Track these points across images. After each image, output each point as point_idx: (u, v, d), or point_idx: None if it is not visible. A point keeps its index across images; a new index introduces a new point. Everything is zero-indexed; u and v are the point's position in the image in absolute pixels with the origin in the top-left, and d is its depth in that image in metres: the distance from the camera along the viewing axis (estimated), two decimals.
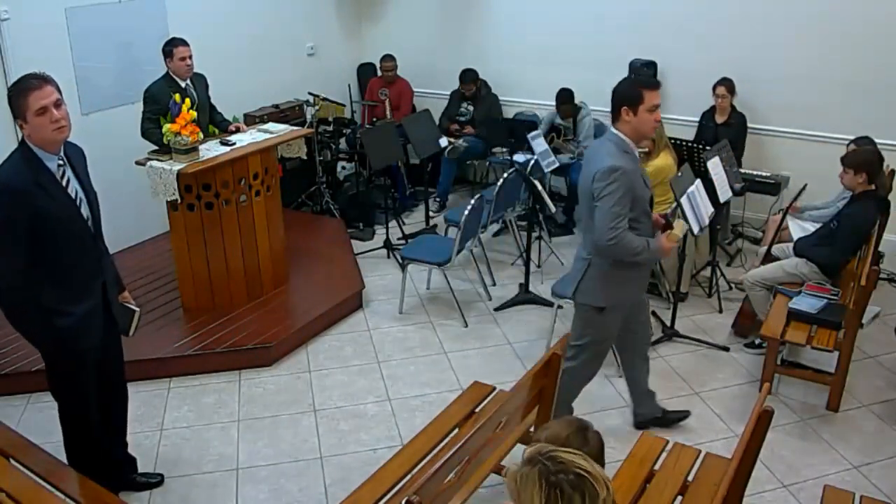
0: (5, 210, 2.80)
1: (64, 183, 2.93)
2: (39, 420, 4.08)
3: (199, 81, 5.24)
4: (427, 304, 5.35)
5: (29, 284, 2.89)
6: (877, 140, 4.92)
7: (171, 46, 4.97)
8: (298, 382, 4.45)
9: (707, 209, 4.65)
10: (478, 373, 4.40)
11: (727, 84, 5.80)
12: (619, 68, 6.32)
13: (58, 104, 2.84)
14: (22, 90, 2.78)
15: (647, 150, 5.05)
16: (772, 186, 5.61)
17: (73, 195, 2.95)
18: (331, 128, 6.87)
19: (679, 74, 6.27)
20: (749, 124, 5.95)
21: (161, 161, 4.56)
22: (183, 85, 5.03)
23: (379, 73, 7.29)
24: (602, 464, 2.15)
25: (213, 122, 5.40)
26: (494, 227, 6.34)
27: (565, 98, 6.31)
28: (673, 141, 5.24)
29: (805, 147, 5.94)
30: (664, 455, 3.20)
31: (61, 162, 2.92)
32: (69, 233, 2.94)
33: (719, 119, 5.94)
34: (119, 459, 3.52)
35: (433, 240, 5.58)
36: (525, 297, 5.30)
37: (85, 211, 3.00)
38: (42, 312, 2.95)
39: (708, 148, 5.17)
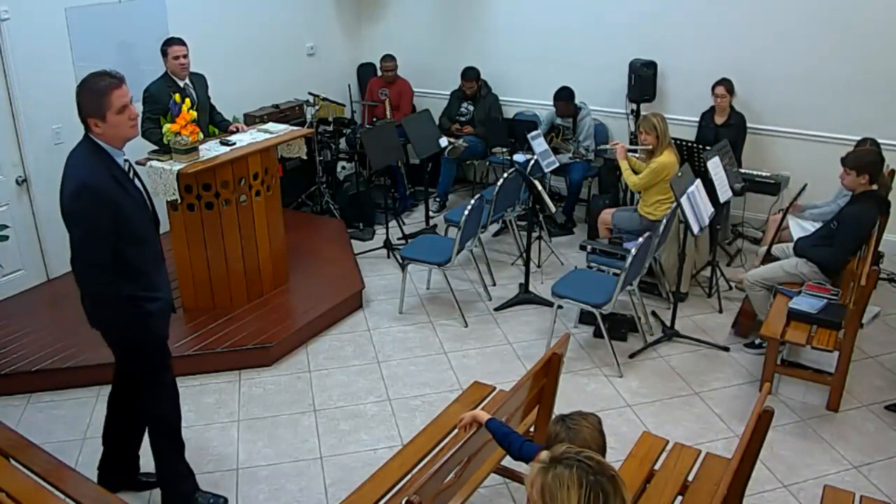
0: (92, 209, 2.81)
1: (131, 176, 2.99)
2: (39, 420, 4.09)
3: (199, 81, 5.24)
4: (427, 304, 5.35)
5: (116, 278, 2.92)
6: (878, 140, 4.93)
7: (167, 46, 4.99)
8: (298, 382, 4.45)
9: (707, 209, 4.65)
10: (478, 373, 4.40)
11: (726, 84, 5.80)
12: (619, 68, 6.36)
13: (131, 101, 2.91)
14: (103, 89, 2.81)
15: (650, 147, 5.05)
16: (772, 186, 5.61)
17: (140, 188, 3.03)
18: (331, 128, 6.87)
19: (679, 74, 6.28)
20: (749, 124, 5.95)
21: (161, 161, 4.56)
22: (182, 84, 5.04)
23: (379, 73, 7.29)
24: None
25: (213, 123, 5.40)
26: (494, 227, 6.35)
27: (564, 96, 6.30)
28: (674, 141, 5.23)
29: (805, 147, 5.94)
30: (664, 455, 3.20)
31: (126, 157, 2.98)
32: (143, 225, 3.01)
33: (719, 120, 5.94)
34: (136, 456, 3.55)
35: (433, 240, 5.57)
36: (525, 297, 5.30)
37: (149, 203, 3.09)
38: (132, 302, 2.98)
39: (708, 148, 5.17)
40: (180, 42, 5.01)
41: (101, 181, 2.83)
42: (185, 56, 5.02)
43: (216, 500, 3.46)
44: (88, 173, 2.84)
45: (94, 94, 2.82)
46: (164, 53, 4.99)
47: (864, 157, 4.36)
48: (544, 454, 1.71)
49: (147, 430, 3.35)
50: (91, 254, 2.88)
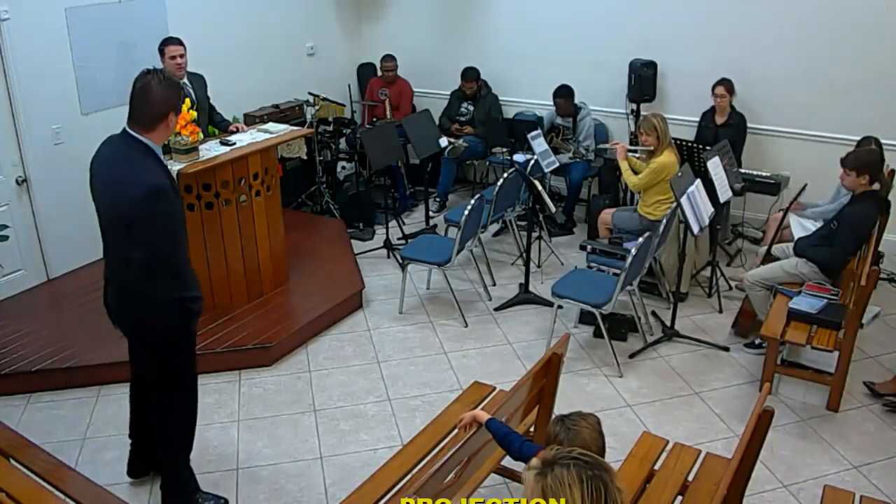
0: (165, 211, 2.80)
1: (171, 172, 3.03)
2: (39, 420, 4.09)
3: (198, 81, 5.24)
4: (427, 304, 5.35)
5: (167, 281, 2.92)
6: (879, 139, 4.93)
7: (163, 45, 5.00)
8: (298, 382, 4.45)
9: (707, 209, 4.65)
10: (478, 373, 4.40)
11: (726, 84, 5.80)
12: (619, 68, 6.35)
13: None
14: (177, 84, 2.87)
15: (651, 147, 5.05)
16: (772, 186, 5.61)
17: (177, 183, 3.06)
18: (331, 128, 6.87)
19: (679, 74, 6.27)
20: (749, 124, 5.94)
21: None
22: (180, 84, 5.03)
23: (379, 73, 7.29)
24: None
25: (212, 123, 5.40)
26: (494, 227, 6.34)
27: (563, 93, 6.31)
28: (674, 141, 5.23)
29: (805, 147, 5.94)
30: (664, 455, 3.20)
31: (162, 154, 2.97)
32: (185, 221, 3.04)
33: (719, 120, 5.94)
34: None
35: (433, 240, 5.57)
36: (525, 297, 5.30)
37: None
38: (179, 304, 2.99)
39: (708, 148, 5.17)
40: (177, 42, 5.01)
41: (166, 182, 2.83)
42: (182, 56, 5.02)
43: (217, 501, 3.46)
44: (156, 176, 2.81)
45: (176, 86, 2.86)
46: (161, 53, 5.00)
47: (864, 158, 4.35)
48: (535, 461, 1.73)
49: (159, 428, 3.33)
50: (162, 258, 2.87)
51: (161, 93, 2.80)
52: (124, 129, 2.88)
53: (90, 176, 2.99)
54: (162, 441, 3.35)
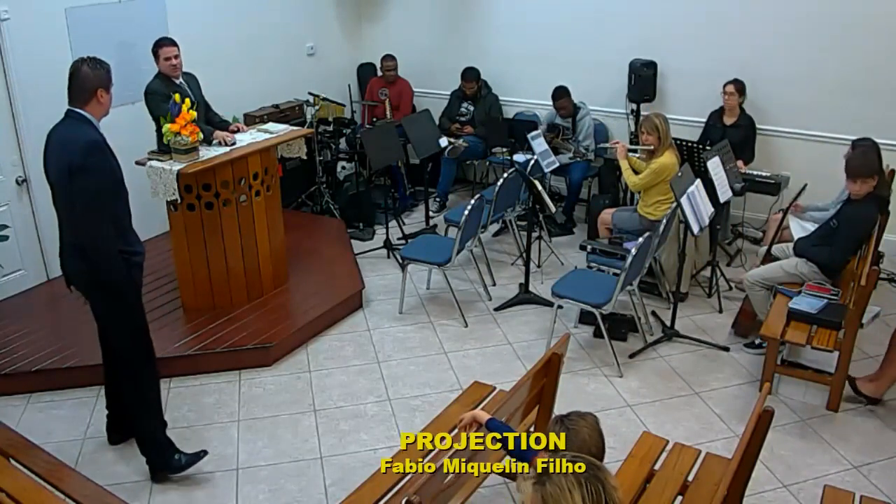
0: (103, 163, 3.18)
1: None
2: (39, 420, 4.09)
3: (192, 81, 5.22)
4: (427, 304, 5.35)
5: (113, 232, 3.25)
6: (877, 140, 4.92)
7: (157, 47, 4.95)
8: (298, 382, 4.45)
9: (707, 209, 4.65)
10: (478, 373, 4.40)
11: (736, 84, 5.79)
12: (619, 68, 6.36)
13: None
14: (108, 67, 3.36)
15: (651, 147, 5.05)
16: (772, 186, 5.61)
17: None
18: (331, 128, 6.87)
19: (679, 74, 6.27)
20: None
21: (161, 161, 4.56)
22: (178, 83, 5.03)
23: (379, 73, 7.29)
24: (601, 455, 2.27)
25: (211, 124, 5.37)
26: (494, 227, 6.34)
27: (560, 93, 6.31)
28: (675, 141, 5.23)
29: (805, 147, 5.94)
30: (664, 455, 3.20)
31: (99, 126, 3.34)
32: (124, 185, 3.35)
33: (728, 120, 5.91)
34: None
35: (433, 240, 5.57)
36: (525, 297, 5.30)
37: None
38: (124, 255, 3.31)
39: (709, 148, 5.16)
40: (171, 43, 4.97)
41: (104, 142, 3.22)
42: (177, 56, 4.98)
43: (196, 456, 3.61)
44: (92, 134, 3.20)
45: (105, 69, 3.31)
46: (156, 55, 4.96)
47: (865, 161, 4.33)
48: (530, 470, 1.75)
49: (132, 395, 3.52)
50: (101, 206, 3.18)
51: (89, 73, 3.26)
52: (67, 108, 3.28)
53: (44, 156, 3.32)
54: (137, 407, 3.53)
